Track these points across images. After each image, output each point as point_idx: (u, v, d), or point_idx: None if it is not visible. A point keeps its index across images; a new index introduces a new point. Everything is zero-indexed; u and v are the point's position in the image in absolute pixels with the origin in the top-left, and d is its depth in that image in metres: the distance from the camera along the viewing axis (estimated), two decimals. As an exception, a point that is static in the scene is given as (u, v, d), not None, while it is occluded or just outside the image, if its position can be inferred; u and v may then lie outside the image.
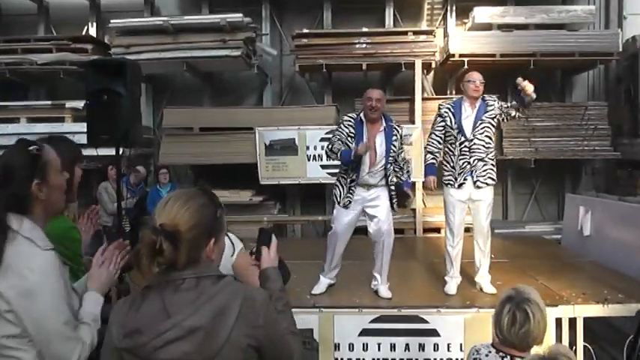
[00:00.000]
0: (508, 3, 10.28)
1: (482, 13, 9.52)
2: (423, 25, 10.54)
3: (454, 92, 10.11)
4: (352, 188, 5.22)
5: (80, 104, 8.77)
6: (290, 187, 10.15)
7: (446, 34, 10.25)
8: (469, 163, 5.29)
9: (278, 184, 9.80)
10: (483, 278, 5.50)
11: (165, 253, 1.71)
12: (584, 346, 4.99)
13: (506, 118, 5.43)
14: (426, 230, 9.63)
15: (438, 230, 9.55)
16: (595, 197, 8.25)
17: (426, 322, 5.02)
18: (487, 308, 4.74)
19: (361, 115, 5.28)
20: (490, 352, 2.70)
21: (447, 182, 5.44)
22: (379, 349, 5.02)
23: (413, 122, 9.49)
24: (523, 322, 2.58)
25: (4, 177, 1.98)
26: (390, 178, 5.27)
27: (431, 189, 5.59)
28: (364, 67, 9.53)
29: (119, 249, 2.29)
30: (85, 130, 4.73)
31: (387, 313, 5.07)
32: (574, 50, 9.20)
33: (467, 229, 5.64)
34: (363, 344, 5.02)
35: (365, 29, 9.66)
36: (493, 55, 9.22)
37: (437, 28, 10.34)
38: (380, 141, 5.19)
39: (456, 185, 5.35)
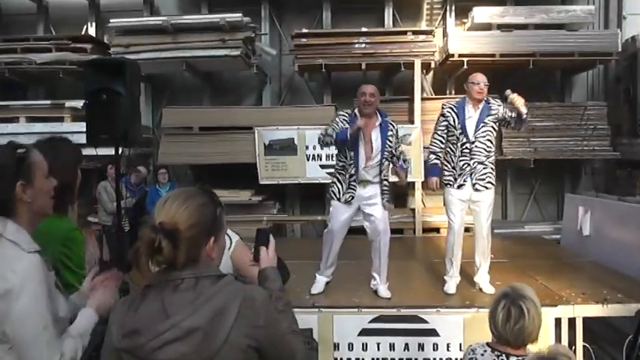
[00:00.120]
0: (507, 3, 10.28)
1: (481, 13, 9.51)
2: (423, 25, 10.53)
3: (453, 92, 10.12)
4: (352, 184, 5.21)
5: (79, 104, 8.76)
6: (289, 186, 10.15)
7: (445, 34, 10.25)
8: (469, 164, 5.29)
9: (277, 184, 9.80)
10: (483, 278, 5.51)
11: (165, 251, 1.71)
12: (584, 346, 5.00)
13: (506, 126, 5.42)
14: (425, 230, 9.63)
15: (437, 230, 9.56)
16: (594, 197, 8.25)
17: (425, 321, 5.02)
18: (486, 308, 4.69)
19: (356, 110, 5.31)
20: (485, 351, 2.71)
21: (446, 182, 5.44)
22: (378, 349, 5.02)
23: (412, 122, 9.49)
24: (518, 318, 2.59)
25: None
26: (384, 173, 5.26)
27: (433, 190, 5.59)
28: (363, 66, 9.52)
29: (112, 278, 2.31)
30: (85, 129, 4.72)
31: (387, 313, 5.08)
32: (573, 50, 9.20)
33: (467, 229, 5.64)
34: (363, 344, 5.02)
35: (364, 29, 9.65)
36: (492, 55, 9.21)
37: (436, 28, 10.33)
38: (375, 136, 5.19)
39: (455, 186, 5.36)
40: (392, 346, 5.01)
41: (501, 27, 9.50)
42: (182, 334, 1.67)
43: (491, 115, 5.27)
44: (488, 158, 5.32)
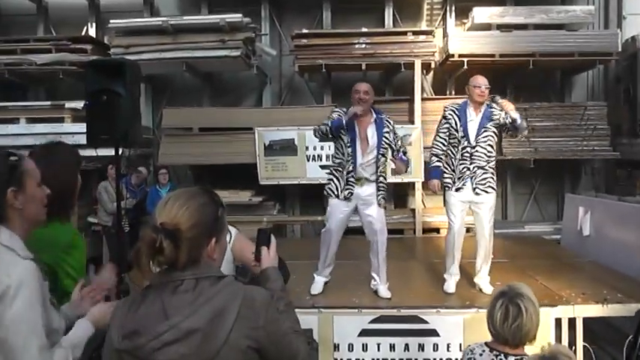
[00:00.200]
0: (507, 3, 10.29)
1: (481, 14, 9.52)
2: (423, 26, 10.54)
3: (454, 92, 10.13)
4: (351, 180, 5.19)
5: (79, 104, 8.77)
6: (289, 187, 10.15)
7: (445, 35, 10.25)
8: (468, 169, 5.28)
9: (277, 185, 9.80)
10: (483, 279, 5.51)
11: (166, 252, 1.70)
12: (584, 346, 5.00)
13: (506, 132, 5.42)
14: (425, 230, 9.63)
15: (437, 230, 9.56)
16: (594, 197, 8.26)
17: (425, 322, 5.01)
18: (486, 308, 4.74)
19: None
20: (484, 351, 2.72)
21: (446, 184, 5.43)
22: (379, 350, 5.02)
23: (412, 122, 9.49)
24: (516, 316, 2.60)
25: None
26: (380, 169, 5.24)
27: (435, 192, 5.58)
28: (364, 67, 9.52)
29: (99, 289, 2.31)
30: (85, 130, 4.73)
31: (387, 314, 5.07)
32: (573, 50, 9.20)
33: (468, 230, 5.64)
34: (363, 344, 5.02)
35: (364, 29, 9.65)
36: (492, 56, 9.22)
37: (436, 28, 10.33)
38: (371, 132, 5.18)
39: (454, 189, 5.35)
40: (392, 347, 5.01)
41: (501, 27, 9.51)
42: (181, 335, 1.67)
43: (493, 120, 5.26)
44: (488, 163, 5.30)
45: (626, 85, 10.11)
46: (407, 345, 5.00)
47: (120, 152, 4.66)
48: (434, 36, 9.68)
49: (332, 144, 5.48)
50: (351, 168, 5.17)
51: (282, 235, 10.10)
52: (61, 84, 10.40)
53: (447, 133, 5.39)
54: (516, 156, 9.59)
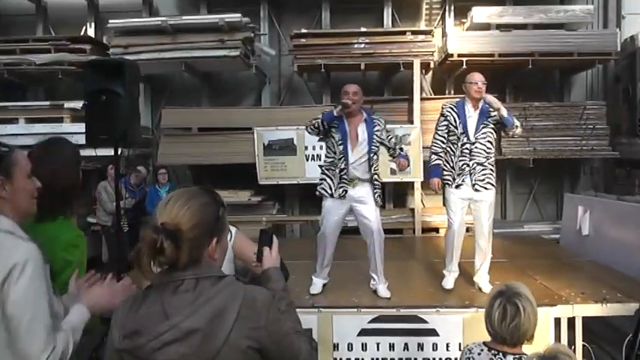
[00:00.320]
0: (506, 3, 10.29)
1: (480, 13, 9.52)
2: (422, 25, 10.54)
3: (453, 92, 10.13)
4: (344, 178, 5.20)
5: (79, 104, 8.77)
6: (289, 187, 10.14)
7: (444, 34, 10.26)
8: (468, 165, 5.30)
9: (277, 184, 9.81)
10: (482, 278, 5.52)
11: (166, 252, 1.70)
12: (583, 346, 5.00)
13: (502, 129, 5.43)
14: (424, 230, 9.62)
15: (436, 230, 9.56)
16: (593, 197, 8.26)
17: (424, 321, 5.01)
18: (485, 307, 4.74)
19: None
20: (482, 350, 2.72)
21: (445, 182, 5.45)
22: (378, 349, 5.02)
23: (411, 122, 9.49)
24: (514, 316, 2.61)
25: None
26: (374, 168, 5.25)
27: (435, 191, 5.59)
28: (363, 67, 9.53)
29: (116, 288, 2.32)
30: (84, 130, 4.73)
31: (386, 313, 5.07)
32: (572, 50, 9.20)
33: (468, 229, 5.65)
34: (362, 344, 5.02)
35: (363, 29, 9.66)
36: (492, 55, 9.22)
37: (435, 28, 10.33)
38: (362, 130, 5.20)
39: (454, 186, 5.37)
40: (391, 346, 5.01)
41: (500, 27, 9.51)
42: (181, 335, 1.67)
43: (491, 116, 5.28)
44: (487, 159, 5.32)
45: (625, 84, 10.11)
46: (406, 344, 5.00)
47: (119, 152, 4.66)
48: (433, 36, 9.69)
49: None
50: (343, 166, 5.19)
51: (281, 235, 10.10)
52: (60, 84, 10.39)
53: (446, 131, 5.42)
54: (515, 155, 9.59)
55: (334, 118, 5.13)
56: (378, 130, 5.23)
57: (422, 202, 9.84)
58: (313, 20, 10.74)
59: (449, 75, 10.39)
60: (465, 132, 5.30)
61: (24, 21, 10.99)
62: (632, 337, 4.09)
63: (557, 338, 4.89)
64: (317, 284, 5.52)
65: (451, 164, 5.40)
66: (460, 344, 4.90)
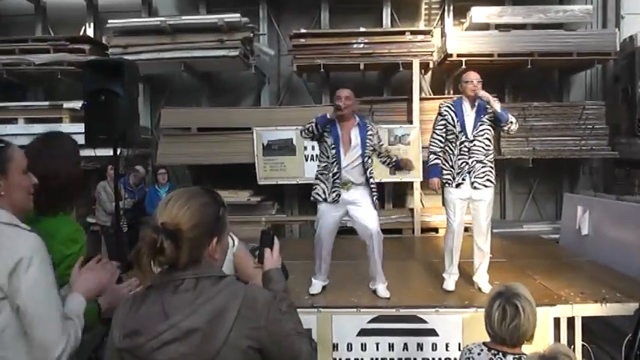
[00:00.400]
0: (506, 3, 10.30)
1: (479, 13, 9.52)
2: (421, 25, 10.54)
3: (452, 92, 10.12)
4: (337, 182, 5.23)
5: (78, 105, 8.75)
6: (288, 187, 10.14)
7: (443, 34, 10.26)
8: (467, 163, 5.31)
9: (276, 184, 9.81)
10: (482, 278, 5.52)
11: (167, 252, 1.70)
12: (583, 346, 5.00)
13: (498, 126, 5.44)
14: (424, 230, 9.63)
15: (436, 230, 9.57)
16: (593, 196, 8.27)
17: (424, 321, 5.02)
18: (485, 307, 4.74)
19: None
20: (482, 350, 2.72)
21: (445, 181, 5.46)
22: (377, 349, 5.02)
23: (411, 122, 9.50)
24: (513, 316, 2.61)
25: None
26: (369, 171, 5.27)
27: (435, 190, 5.61)
28: (362, 67, 9.52)
29: (104, 270, 2.31)
30: (83, 130, 4.73)
31: (385, 313, 5.07)
32: (572, 50, 9.20)
33: (466, 229, 5.65)
34: (362, 344, 5.02)
35: (362, 29, 9.65)
36: (491, 55, 9.21)
37: (434, 28, 10.33)
38: (354, 134, 5.24)
39: (454, 185, 5.38)
40: (391, 346, 5.01)
41: (499, 27, 9.51)
42: (181, 335, 1.67)
43: (488, 113, 5.30)
44: (486, 157, 5.34)
45: (624, 84, 10.11)
46: (406, 344, 5.00)
47: (118, 152, 4.66)
48: (432, 36, 9.68)
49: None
50: (335, 170, 5.22)
51: (280, 235, 10.09)
52: (59, 84, 10.39)
53: (444, 130, 5.44)
54: (515, 155, 9.60)
55: (328, 121, 5.19)
56: (371, 135, 5.28)
57: (421, 202, 9.84)
58: (312, 20, 10.74)
59: (448, 75, 10.39)
60: (463, 130, 5.31)
61: (23, 21, 10.98)
62: (632, 336, 4.09)
63: (557, 338, 4.89)
64: (316, 285, 5.54)
65: (450, 163, 5.41)
66: (459, 344, 4.90)
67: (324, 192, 5.30)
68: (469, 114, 5.34)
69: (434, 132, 5.54)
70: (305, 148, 9.35)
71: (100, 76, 4.66)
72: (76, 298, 2.16)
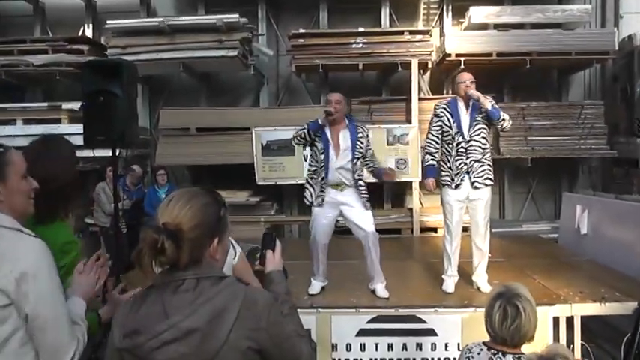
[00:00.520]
0: (504, 2, 10.29)
1: (478, 13, 9.53)
2: (420, 25, 10.53)
3: (450, 92, 10.11)
4: (324, 187, 5.28)
5: (77, 105, 8.74)
6: (287, 187, 10.13)
7: (442, 34, 10.26)
8: (465, 164, 5.32)
9: (275, 185, 9.80)
10: (480, 277, 5.52)
11: (167, 252, 1.70)
12: (582, 345, 5.01)
13: (492, 123, 5.44)
14: (422, 230, 9.64)
15: (434, 230, 9.57)
16: (592, 196, 8.27)
17: (423, 321, 5.02)
18: (484, 308, 4.74)
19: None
20: (482, 349, 2.73)
21: (444, 183, 5.46)
22: (377, 349, 5.02)
23: (409, 122, 9.50)
24: (514, 317, 2.61)
25: None
26: (357, 173, 5.29)
27: (430, 191, 5.62)
28: (361, 67, 9.52)
29: (100, 262, 2.31)
30: (82, 131, 4.73)
31: (385, 313, 5.08)
32: (570, 49, 9.20)
33: (465, 229, 5.65)
34: (361, 344, 5.02)
35: (361, 29, 9.64)
36: (489, 55, 9.21)
37: (433, 27, 10.34)
38: (344, 136, 5.27)
39: (453, 186, 5.38)
40: (390, 346, 5.01)
41: (498, 26, 9.51)
42: (181, 335, 1.67)
43: (482, 112, 5.31)
44: (484, 156, 5.36)
45: (623, 83, 10.11)
46: (405, 344, 5.00)
47: (117, 153, 4.66)
48: (431, 35, 9.69)
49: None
50: (323, 174, 5.26)
51: (280, 236, 10.07)
52: (58, 85, 10.38)
53: (440, 131, 5.46)
54: (513, 155, 9.60)
55: (319, 127, 5.23)
56: (361, 137, 5.31)
57: (420, 202, 9.84)
58: (311, 20, 10.74)
59: (447, 75, 10.39)
60: (460, 131, 5.33)
61: (22, 22, 10.97)
62: (631, 335, 4.10)
63: (556, 337, 4.90)
64: (315, 285, 5.55)
65: (448, 165, 5.41)
66: (459, 344, 4.91)
67: (311, 195, 5.38)
68: (464, 114, 5.36)
69: (430, 133, 5.56)
70: (304, 148, 9.32)
71: (99, 76, 4.66)
72: (78, 302, 2.17)
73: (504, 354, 2.65)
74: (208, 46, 9.21)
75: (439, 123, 5.44)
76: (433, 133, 5.50)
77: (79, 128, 5.12)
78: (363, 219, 5.31)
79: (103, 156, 5.33)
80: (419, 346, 4.99)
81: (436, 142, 5.49)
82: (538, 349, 2.25)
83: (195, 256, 1.76)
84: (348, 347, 5.03)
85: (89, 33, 10.81)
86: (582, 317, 5.03)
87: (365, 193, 5.34)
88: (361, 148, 5.28)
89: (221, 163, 9.44)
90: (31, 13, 10.95)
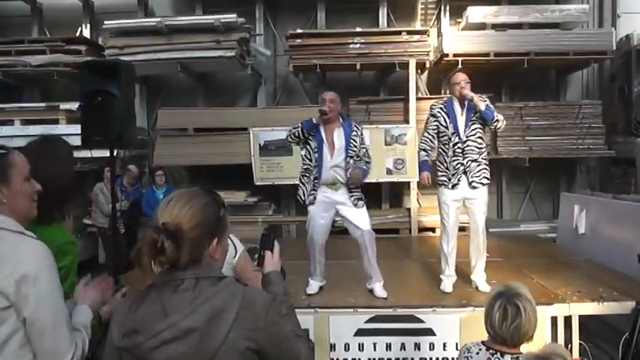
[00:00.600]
0: (502, 2, 10.29)
1: (475, 13, 9.53)
2: (417, 25, 10.53)
3: (448, 92, 10.10)
4: (316, 185, 5.29)
5: (74, 106, 8.71)
6: (285, 187, 10.11)
7: (440, 34, 10.26)
8: (462, 164, 5.33)
9: (273, 185, 9.80)
10: (479, 276, 5.53)
11: (167, 252, 1.70)
12: (580, 344, 5.01)
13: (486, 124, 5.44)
14: (420, 230, 9.64)
15: (432, 230, 9.56)
16: (590, 195, 8.27)
17: (421, 321, 5.02)
18: (483, 307, 4.71)
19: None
20: (480, 349, 2.73)
21: (440, 183, 5.47)
22: (375, 349, 5.02)
23: (407, 122, 9.51)
24: (515, 317, 2.61)
25: None
26: (348, 172, 5.26)
27: (426, 185, 5.62)
28: (358, 67, 9.52)
29: (103, 283, 2.34)
30: (79, 131, 4.71)
31: (383, 313, 5.07)
32: (568, 49, 9.22)
33: (462, 229, 5.65)
34: (359, 344, 5.02)
35: (359, 29, 9.65)
36: (487, 55, 9.22)
37: (431, 27, 10.35)
38: (337, 135, 5.28)
39: (450, 186, 5.39)
40: (388, 346, 5.01)
41: (496, 26, 9.52)
42: (180, 334, 1.67)
43: (476, 112, 5.32)
44: (480, 155, 5.36)
45: (620, 83, 10.13)
46: (403, 344, 5.00)
47: (115, 153, 4.65)
48: (428, 35, 9.69)
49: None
50: (316, 173, 5.28)
51: (278, 236, 10.06)
52: (55, 85, 10.38)
53: (436, 131, 5.48)
54: (511, 155, 9.61)
55: (314, 126, 5.26)
56: (354, 136, 5.30)
57: (418, 201, 9.84)
58: (309, 20, 10.74)
59: (444, 75, 10.37)
60: (456, 131, 5.34)
61: (19, 22, 10.96)
62: (629, 335, 4.09)
63: (554, 337, 4.90)
64: (313, 285, 5.55)
65: (445, 165, 5.42)
66: (457, 344, 4.90)
67: (303, 194, 5.39)
68: (460, 115, 5.37)
69: (425, 131, 5.59)
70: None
71: (97, 77, 4.64)
72: (84, 311, 2.18)
73: (503, 354, 2.64)
74: (206, 46, 9.21)
75: (435, 123, 5.46)
76: (429, 131, 5.53)
77: (76, 128, 5.08)
78: (358, 217, 5.31)
79: (100, 156, 5.31)
80: (417, 346, 4.99)
81: (431, 140, 5.52)
82: (536, 349, 2.25)
83: (194, 256, 1.76)
84: (346, 347, 5.02)
85: (87, 33, 10.82)
86: (580, 317, 5.04)
87: (356, 191, 5.32)
88: (354, 146, 5.27)
89: (219, 164, 9.44)
90: (28, 13, 10.94)
